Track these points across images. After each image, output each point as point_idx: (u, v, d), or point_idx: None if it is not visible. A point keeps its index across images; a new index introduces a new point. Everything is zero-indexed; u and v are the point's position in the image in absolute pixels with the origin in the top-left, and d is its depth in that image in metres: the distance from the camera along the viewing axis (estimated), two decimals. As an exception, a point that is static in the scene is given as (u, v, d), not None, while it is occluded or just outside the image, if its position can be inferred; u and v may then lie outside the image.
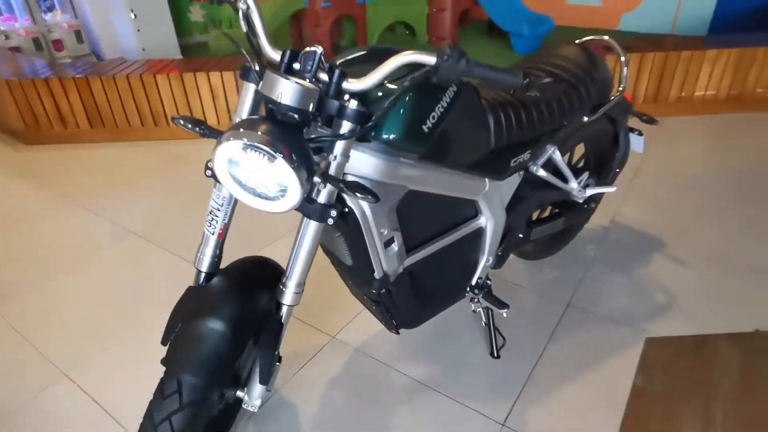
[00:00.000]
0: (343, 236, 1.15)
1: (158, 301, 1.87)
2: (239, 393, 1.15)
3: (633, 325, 1.69)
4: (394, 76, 0.98)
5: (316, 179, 0.90)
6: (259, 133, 0.84)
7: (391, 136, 0.99)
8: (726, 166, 2.73)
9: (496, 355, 1.57)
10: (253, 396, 1.12)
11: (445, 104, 1.05)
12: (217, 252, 1.09)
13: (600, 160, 1.91)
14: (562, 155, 1.58)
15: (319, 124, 0.99)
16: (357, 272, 1.24)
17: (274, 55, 0.98)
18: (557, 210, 1.79)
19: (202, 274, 1.09)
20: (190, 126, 0.99)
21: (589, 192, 1.65)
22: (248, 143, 0.83)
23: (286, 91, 0.85)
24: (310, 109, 0.88)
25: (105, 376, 1.56)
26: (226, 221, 1.07)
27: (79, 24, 4.79)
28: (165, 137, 3.31)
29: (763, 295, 1.80)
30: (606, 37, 1.63)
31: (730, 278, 1.89)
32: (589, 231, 2.20)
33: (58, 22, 4.64)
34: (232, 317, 0.97)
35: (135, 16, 4.91)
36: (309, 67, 0.90)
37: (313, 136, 0.96)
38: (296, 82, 0.85)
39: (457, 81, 0.90)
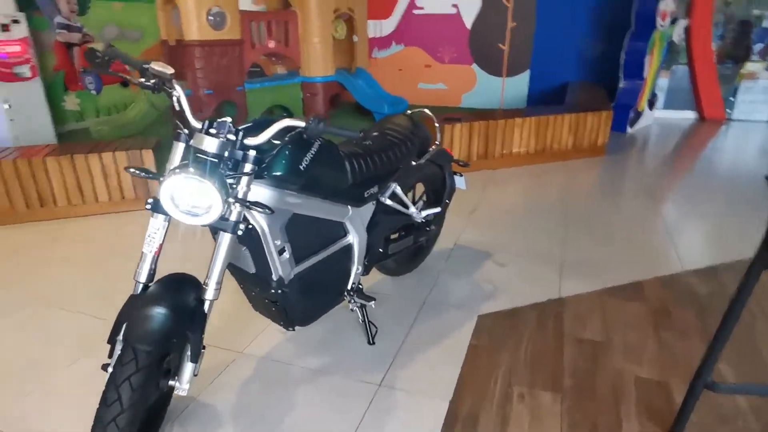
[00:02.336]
0: (248, 249, 1.60)
1: (68, 350, 2.07)
2: (171, 382, 1.49)
3: (470, 309, 2.30)
4: (280, 135, 1.52)
5: (230, 200, 1.38)
6: (195, 170, 1.31)
7: (278, 173, 1.52)
8: (535, 199, 3.66)
9: (371, 342, 2.06)
10: (183, 379, 1.47)
11: (313, 152, 1.61)
12: (153, 267, 1.47)
13: (435, 194, 2.60)
14: (404, 190, 2.22)
15: (230, 166, 1.48)
16: (259, 278, 1.68)
17: (197, 123, 1.46)
18: (406, 231, 2.41)
19: (140, 285, 1.46)
20: (138, 172, 1.41)
21: (423, 213, 2.30)
22: (189, 176, 1.29)
23: (209, 144, 1.34)
24: (226, 154, 1.37)
25: (25, 416, 1.75)
26: (161, 242, 1.47)
27: (-55, 116, 4.71)
28: (50, 217, 3.42)
29: (552, 276, 2.56)
30: (426, 110, 2.36)
31: (534, 269, 2.63)
32: (438, 252, 2.86)
33: None
34: (171, 306, 1.36)
35: (9, 106, 4.97)
36: (222, 130, 1.40)
37: (226, 173, 1.45)
38: (216, 138, 1.34)
39: (319, 137, 1.47)
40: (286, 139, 1.52)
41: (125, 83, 7.39)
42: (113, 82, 7.14)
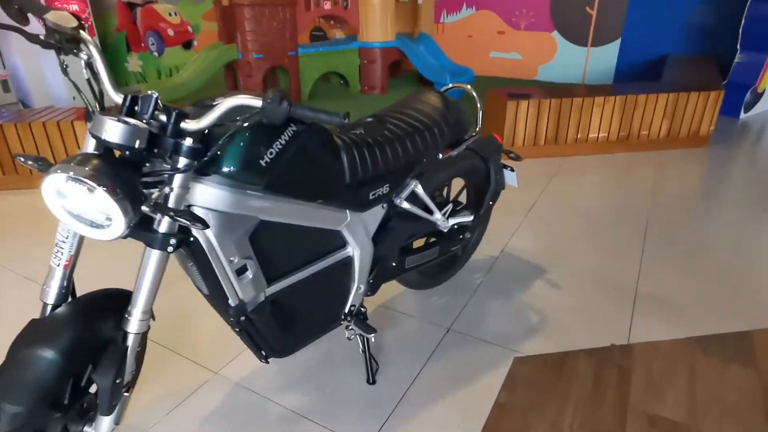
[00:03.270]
0: (194, 265, 1.22)
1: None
2: (87, 428, 1.17)
3: (505, 346, 1.81)
4: (232, 117, 1.11)
5: (144, 208, 0.98)
6: (86, 167, 0.93)
7: (230, 169, 1.10)
8: (610, 199, 3.00)
9: (371, 381, 1.64)
10: (100, 431, 1.15)
11: (283, 142, 1.17)
12: (65, 284, 1.13)
13: (478, 194, 2.08)
14: (429, 190, 1.73)
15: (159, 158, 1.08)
16: (214, 301, 1.30)
17: (118, 98, 1.08)
18: (433, 240, 1.93)
19: (48, 307, 1.12)
20: (30, 162, 1.06)
21: (451, 221, 1.80)
22: (72, 176, 0.91)
23: (111, 130, 0.94)
24: (136, 145, 0.97)
25: None
26: (72, 253, 1.12)
27: (6, 74, 4.77)
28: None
29: (622, 311, 1.98)
30: (468, 87, 1.83)
31: (598, 298, 2.06)
32: (478, 261, 2.35)
33: (-18, 72, 4.61)
34: (66, 345, 1.01)
35: (66, 66, 4.94)
36: (146, 109, 1.01)
37: (152, 170, 1.05)
38: (121, 122, 0.94)
39: (282, 121, 1.03)
40: (239, 123, 1.09)
41: (187, 45, 7.30)
42: (175, 44, 7.06)
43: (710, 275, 2.22)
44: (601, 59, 6.20)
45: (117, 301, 1.15)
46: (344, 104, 5.50)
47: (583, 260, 2.35)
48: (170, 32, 6.84)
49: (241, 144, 1.10)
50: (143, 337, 1.18)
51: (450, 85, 1.84)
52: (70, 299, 1.14)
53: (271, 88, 1.02)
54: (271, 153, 1.15)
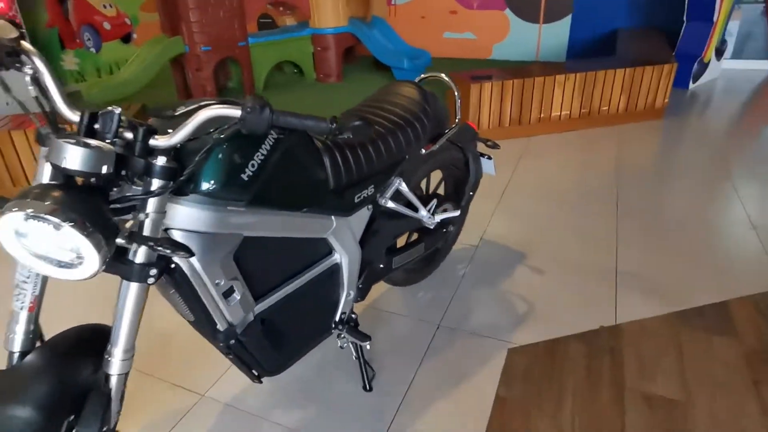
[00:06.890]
0: (177, 292, 1.12)
1: None
2: None
3: (497, 337, 1.79)
4: (206, 129, 1.00)
5: (120, 240, 0.88)
6: (47, 201, 0.81)
7: (210, 188, 1.00)
8: (578, 176, 3.04)
9: (368, 388, 1.59)
10: None
11: (265, 152, 1.08)
12: (32, 328, 1.01)
13: (456, 185, 2.05)
14: (412, 186, 1.68)
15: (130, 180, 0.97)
16: (202, 327, 1.21)
17: (73, 117, 0.95)
18: (417, 237, 1.88)
19: (15, 355, 1.00)
20: None
21: (438, 218, 1.76)
22: (32, 213, 0.80)
23: (72, 157, 0.83)
24: (103, 171, 0.85)
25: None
26: (36, 294, 1.00)
27: None
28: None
29: (605, 292, 2.00)
30: (442, 75, 1.77)
31: (581, 280, 2.08)
32: (459, 251, 2.32)
33: None
34: (43, 398, 0.90)
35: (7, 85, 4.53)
36: (109, 128, 0.89)
37: (122, 196, 0.95)
38: (82, 146, 0.83)
39: (265, 130, 0.94)
40: (217, 136, 0.99)
41: (126, 39, 6.86)
42: (113, 38, 6.62)
43: (681, 246, 2.29)
44: (554, 35, 6.27)
45: (93, 339, 1.05)
46: (300, 94, 5.33)
47: (561, 242, 2.37)
48: (106, 25, 6.41)
49: (222, 159, 1.00)
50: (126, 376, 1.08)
51: (423, 75, 1.78)
52: (38, 344, 1.02)
53: (250, 95, 0.92)
54: (252, 165, 1.05)
